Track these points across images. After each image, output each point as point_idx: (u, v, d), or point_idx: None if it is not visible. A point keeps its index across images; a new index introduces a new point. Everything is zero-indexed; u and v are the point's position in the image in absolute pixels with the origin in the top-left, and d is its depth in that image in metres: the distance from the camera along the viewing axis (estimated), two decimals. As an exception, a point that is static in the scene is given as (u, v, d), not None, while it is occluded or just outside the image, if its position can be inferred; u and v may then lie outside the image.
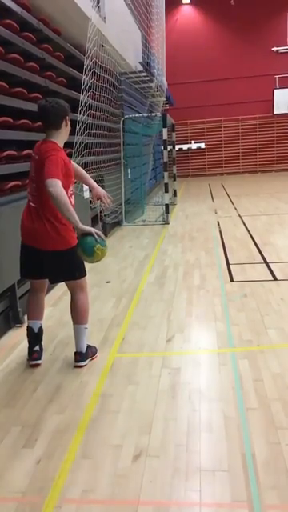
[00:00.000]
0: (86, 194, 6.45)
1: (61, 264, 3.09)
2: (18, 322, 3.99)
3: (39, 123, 3.27)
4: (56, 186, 2.73)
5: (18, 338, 3.72)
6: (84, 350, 3.22)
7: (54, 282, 3.46)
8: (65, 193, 2.76)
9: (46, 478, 2.12)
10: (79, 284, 3.19)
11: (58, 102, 3.01)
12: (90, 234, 2.85)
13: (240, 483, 2.02)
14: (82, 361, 3.20)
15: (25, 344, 3.40)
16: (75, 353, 3.23)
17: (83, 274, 3.19)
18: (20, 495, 2.04)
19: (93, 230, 2.87)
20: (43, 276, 3.25)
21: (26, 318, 3.41)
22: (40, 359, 3.28)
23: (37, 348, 3.28)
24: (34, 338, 3.28)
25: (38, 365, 3.25)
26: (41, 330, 3.31)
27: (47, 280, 3.32)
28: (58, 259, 3.05)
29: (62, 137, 3.06)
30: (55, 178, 2.76)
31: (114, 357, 3.34)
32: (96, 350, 3.36)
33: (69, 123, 3.09)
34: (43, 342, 3.39)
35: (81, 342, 3.21)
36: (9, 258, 3.76)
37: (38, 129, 4.99)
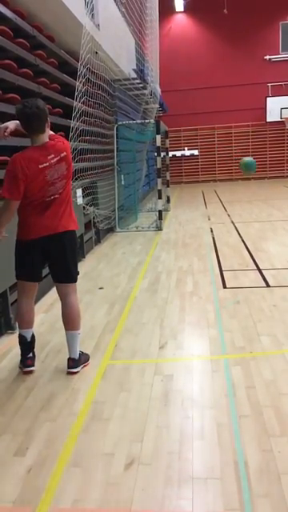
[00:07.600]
0: (80, 200, 6.45)
1: (68, 245, 3.13)
2: (10, 328, 3.96)
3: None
4: None
5: (10, 344, 3.69)
6: (77, 357, 3.20)
7: (61, 267, 3.21)
8: None
9: (36, 487, 2.10)
10: (74, 286, 3.22)
11: (38, 106, 2.89)
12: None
13: (232, 491, 2.01)
14: (75, 367, 3.18)
15: (16, 351, 3.38)
16: (69, 359, 3.20)
17: (77, 275, 3.26)
18: (10, 504, 2.01)
19: None
20: (50, 266, 3.28)
21: (17, 324, 3.39)
22: (34, 366, 3.26)
23: (30, 355, 3.26)
24: (28, 346, 3.26)
25: (31, 371, 3.23)
26: (33, 337, 3.30)
27: (37, 284, 3.31)
28: (68, 239, 3.11)
29: (48, 137, 3.03)
30: None
31: (106, 364, 3.32)
32: (88, 357, 3.34)
33: (49, 123, 3.04)
34: (35, 349, 3.37)
35: (75, 347, 3.19)
36: (0, 265, 3.74)
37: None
